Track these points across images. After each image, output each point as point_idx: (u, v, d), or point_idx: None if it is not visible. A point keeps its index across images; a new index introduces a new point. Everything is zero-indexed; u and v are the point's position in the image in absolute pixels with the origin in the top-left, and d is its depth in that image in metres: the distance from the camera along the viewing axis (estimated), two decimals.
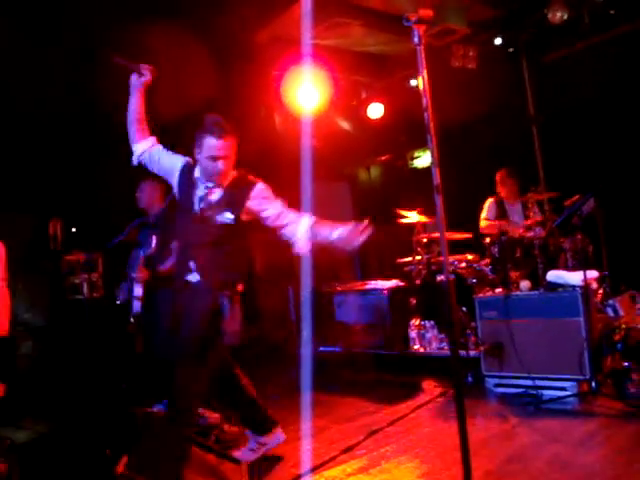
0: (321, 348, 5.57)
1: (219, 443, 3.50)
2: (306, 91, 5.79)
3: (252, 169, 6.10)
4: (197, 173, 3.01)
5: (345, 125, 7.25)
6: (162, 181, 4.59)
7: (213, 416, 3.62)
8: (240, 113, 5.98)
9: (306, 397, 4.40)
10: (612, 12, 5.67)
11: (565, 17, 5.67)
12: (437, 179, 1.96)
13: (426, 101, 1.98)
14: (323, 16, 5.52)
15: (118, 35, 4.58)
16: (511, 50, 6.53)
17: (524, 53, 6.71)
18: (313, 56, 5.55)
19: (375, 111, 6.98)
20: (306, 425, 3.97)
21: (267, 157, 6.15)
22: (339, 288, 5.79)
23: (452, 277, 5.05)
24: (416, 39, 1.94)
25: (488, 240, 4.85)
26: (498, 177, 5.58)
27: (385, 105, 7.04)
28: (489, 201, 5.50)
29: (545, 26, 5.86)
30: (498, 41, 6.35)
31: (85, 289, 5.18)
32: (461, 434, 1.80)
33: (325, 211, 7.25)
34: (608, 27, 5.92)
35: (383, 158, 5.89)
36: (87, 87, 4.86)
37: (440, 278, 5.16)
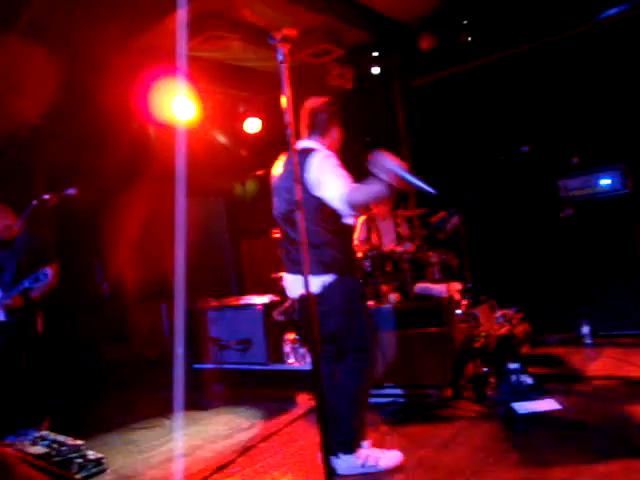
0: (195, 365, 5.43)
1: (81, 472, 3.29)
2: (181, 103, 5.66)
3: (125, 181, 5.89)
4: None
5: (222, 139, 7.18)
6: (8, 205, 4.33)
7: (75, 443, 3.38)
8: (112, 124, 5.74)
9: (179, 416, 4.27)
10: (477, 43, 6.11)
11: (434, 45, 6.06)
12: (298, 194, 1.99)
13: (288, 118, 2.02)
14: (199, 28, 5.46)
15: None
16: (383, 73, 6.83)
17: (396, 76, 7.03)
18: (189, 68, 5.46)
19: (252, 126, 6.98)
20: (179, 445, 3.86)
21: (141, 170, 5.95)
22: (213, 304, 5.69)
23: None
24: (280, 57, 1.97)
25: (360, 255, 5.00)
26: None
27: (263, 120, 7.07)
28: (360, 220, 5.61)
29: (415, 52, 6.22)
30: (373, 64, 6.63)
31: None
32: (323, 445, 1.82)
33: (199, 226, 7.15)
34: (472, 57, 6.39)
35: (259, 173, 5.88)
36: None
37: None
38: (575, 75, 5.80)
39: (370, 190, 2.78)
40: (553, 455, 2.90)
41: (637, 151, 5.38)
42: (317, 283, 2.94)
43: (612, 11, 5.60)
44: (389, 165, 2.66)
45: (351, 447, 3.01)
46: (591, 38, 5.68)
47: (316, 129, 3.16)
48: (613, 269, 5.38)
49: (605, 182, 5.46)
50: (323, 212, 2.97)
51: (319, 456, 3.13)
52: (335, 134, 3.22)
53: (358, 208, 2.94)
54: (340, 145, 3.30)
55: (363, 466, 3.00)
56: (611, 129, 5.60)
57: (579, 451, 2.90)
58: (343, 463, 2.99)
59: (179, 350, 5.24)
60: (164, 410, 4.62)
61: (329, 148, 3.16)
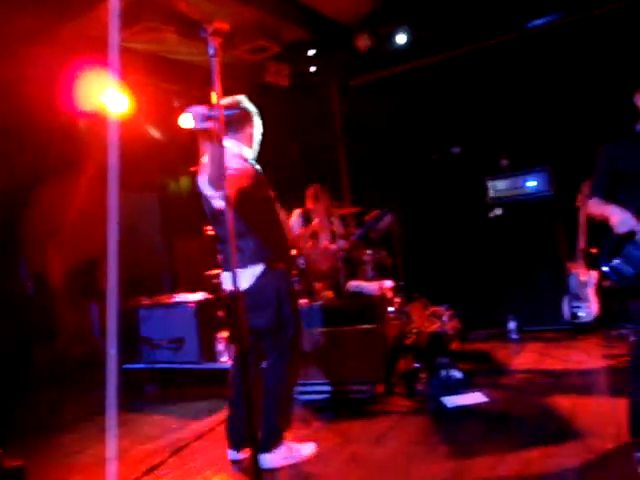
0: (126, 365, 5.28)
1: None
2: (111, 96, 5.47)
3: (52, 175, 5.64)
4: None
5: (155, 134, 6.99)
6: None
7: None
8: (37, 116, 5.48)
9: (109, 418, 4.13)
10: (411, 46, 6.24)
11: (370, 45, 6.14)
12: (227, 191, 1.98)
13: (218, 113, 1.99)
14: (133, 19, 5.30)
15: None
16: (321, 72, 6.86)
17: (333, 75, 7.08)
18: (122, 60, 5.28)
19: (187, 121, 6.83)
20: (108, 448, 3.73)
21: (70, 165, 5.72)
22: (145, 302, 5.54)
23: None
24: (211, 51, 1.94)
25: (294, 252, 4.99)
26: (312, 192, 5.67)
27: None
28: (296, 212, 5.59)
29: (353, 52, 6.28)
30: (311, 63, 6.65)
31: None
32: (252, 442, 1.81)
33: (132, 222, 6.94)
34: (407, 59, 6.52)
35: (193, 169, 5.72)
36: None
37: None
38: (506, 80, 6.03)
39: (210, 155, 2.76)
40: (480, 445, 3.00)
41: (562, 155, 5.64)
42: (247, 276, 2.96)
43: (539, 21, 5.88)
44: (203, 111, 2.64)
45: (276, 443, 3.06)
46: (520, 45, 5.93)
47: (230, 127, 3.16)
48: (537, 268, 5.63)
49: (532, 184, 5.69)
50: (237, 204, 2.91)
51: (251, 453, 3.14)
52: (250, 130, 3.24)
53: (218, 183, 2.78)
54: (258, 141, 3.32)
55: (287, 459, 3.08)
56: (539, 133, 5.85)
57: (504, 441, 3.01)
58: (269, 457, 3.04)
59: (112, 350, 5.08)
60: (92, 412, 4.47)
61: (247, 145, 3.23)
